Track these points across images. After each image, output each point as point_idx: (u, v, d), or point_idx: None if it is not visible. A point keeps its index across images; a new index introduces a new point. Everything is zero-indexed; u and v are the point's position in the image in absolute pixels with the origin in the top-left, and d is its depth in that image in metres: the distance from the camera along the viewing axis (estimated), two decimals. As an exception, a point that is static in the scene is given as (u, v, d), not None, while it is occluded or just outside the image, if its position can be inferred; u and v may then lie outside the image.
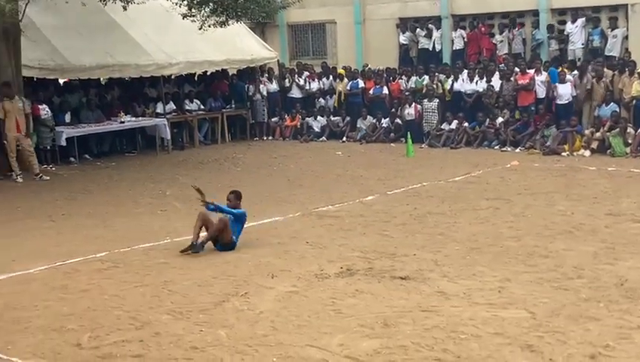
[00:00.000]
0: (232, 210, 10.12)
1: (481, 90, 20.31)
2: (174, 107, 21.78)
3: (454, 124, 20.10)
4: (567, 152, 17.75)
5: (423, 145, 19.93)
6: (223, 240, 10.01)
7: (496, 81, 20.12)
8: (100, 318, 7.56)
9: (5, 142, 16.75)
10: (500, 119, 19.52)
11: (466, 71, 20.92)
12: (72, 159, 19.20)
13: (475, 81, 20.50)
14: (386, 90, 21.96)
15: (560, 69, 19.60)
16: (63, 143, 18.84)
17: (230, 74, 24.01)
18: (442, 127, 20.34)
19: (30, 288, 8.73)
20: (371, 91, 22.13)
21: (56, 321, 7.51)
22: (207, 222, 10.02)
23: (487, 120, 19.77)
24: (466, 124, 19.96)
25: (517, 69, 19.88)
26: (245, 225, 11.20)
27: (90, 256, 10.04)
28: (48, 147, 18.78)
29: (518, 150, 18.64)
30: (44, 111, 18.62)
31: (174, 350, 6.64)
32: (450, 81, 20.94)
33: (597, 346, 6.36)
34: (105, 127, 20.00)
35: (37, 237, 11.45)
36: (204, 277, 8.83)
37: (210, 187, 15.07)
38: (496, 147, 19.21)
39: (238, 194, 10.38)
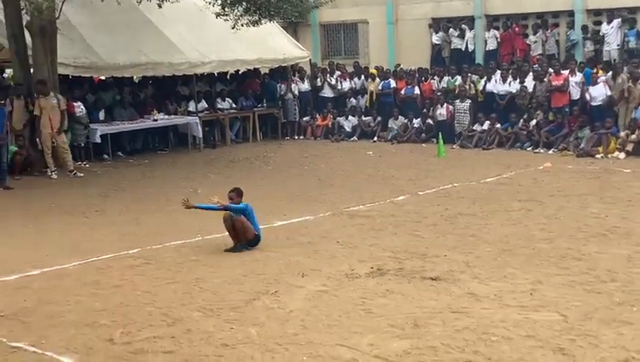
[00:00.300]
0: (232, 206, 10.03)
1: (514, 91, 20.18)
2: (206, 105, 21.90)
3: (486, 125, 20.00)
4: (602, 154, 17.57)
5: (454, 146, 19.86)
6: (248, 237, 10.04)
7: (529, 82, 19.98)
8: (132, 314, 7.62)
9: (37, 139, 16.96)
10: (534, 121, 19.36)
11: (499, 71, 20.79)
12: (106, 156, 19.37)
13: (508, 81, 20.37)
14: (417, 91, 21.90)
15: (595, 70, 19.42)
16: (97, 140, 19.02)
17: (262, 73, 24.09)
18: (474, 127, 20.25)
19: (63, 283, 8.83)
20: (403, 91, 22.09)
21: (88, 316, 7.58)
22: (234, 222, 10.03)
23: (521, 121, 19.63)
24: (498, 125, 19.84)
25: (551, 70, 19.74)
26: (275, 224, 11.26)
27: (123, 252, 10.13)
28: (82, 144, 18.97)
29: (551, 152, 18.49)
30: (79, 108, 18.81)
31: (205, 347, 6.68)
32: (482, 81, 20.84)
33: (630, 350, 6.29)
34: (138, 124, 20.18)
35: (70, 233, 11.56)
36: (235, 275, 8.86)
37: (241, 185, 15.15)
38: (528, 148, 19.08)
39: (240, 191, 10.28)
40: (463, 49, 24.01)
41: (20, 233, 11.62)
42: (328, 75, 23.84)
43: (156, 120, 20.28)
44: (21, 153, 17.02)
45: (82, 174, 17.05)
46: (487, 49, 23.58)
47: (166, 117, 20.81)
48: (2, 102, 16.47)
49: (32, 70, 17.43)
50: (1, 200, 14.61)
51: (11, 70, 17.90)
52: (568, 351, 6.31)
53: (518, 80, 20.21)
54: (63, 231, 11.71)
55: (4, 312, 7.76)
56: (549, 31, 22.46)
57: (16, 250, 10.48)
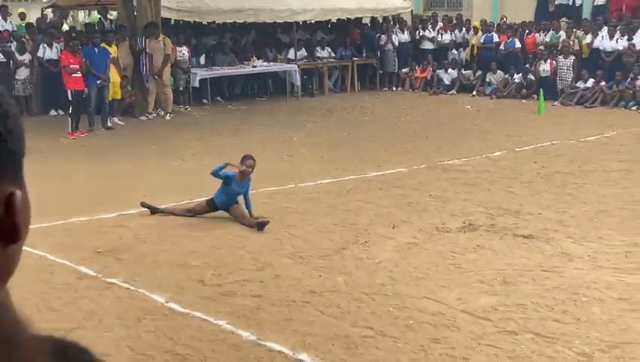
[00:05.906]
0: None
1: (621, 48, 19.49)
2: (306, 54, 21.91)
3: (590, 83, 19.41)
4: None
5: (555, 103, 19.36)
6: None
7: (638, 39, 19.25)
8: (223, 257, 7.77)
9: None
10: (640, 80, 18.70)
11: (606, 27, 20.10)
12: (205, 101, 19.63)
13: (615, 38, 19.68)
14: (518, 44, 21.38)
15: None
16: (196, 85, 19.27)
17: (363, 23, 23.92)
18: (577, 84, 19.68)
19: (158, 223, 9.05)
20: (502, 46, 21.60)
21: (181, 257, 7.76)
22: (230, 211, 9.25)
23: (629, 79, 18.95)
24: (602, 83, 19.23)
25: (662, 27, 18.99)
26: (369, 175, 11.26)
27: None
28: (181, 88, 19.23)
29: (657, 112, 17.87)
30: (180, 53, 19.03)
31: (293, 292, 6.76)
32: (588, 37, 20.19)
33: None
34: (237, 70, 20.34)
35: (167, 174, 11.81)
36: (326, 224, 8.92)
37: (336, 135, 15.21)
38: (633, 108, 18.46)
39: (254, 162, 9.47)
40: (570, 3, 23.28)
41: (120, 172, 11.94)
42: (430, 26, 23.46)
43: (255, 66, 20.41)
44: (123, 95, 17.44)
45: (172, 116, 17.66)
46: (595, 4, 22.80)
47: (265, 64, 20.91)
48: (98, 41, 16.68)
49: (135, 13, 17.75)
50: (102, 140, 15.04)
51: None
52: (662, 316, 6.16)
53: (626, 37, 19.50)
54: (160, 172, 11.97)
55: (101, 249, 8.01)
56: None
57: (115, 189, 10.78)
